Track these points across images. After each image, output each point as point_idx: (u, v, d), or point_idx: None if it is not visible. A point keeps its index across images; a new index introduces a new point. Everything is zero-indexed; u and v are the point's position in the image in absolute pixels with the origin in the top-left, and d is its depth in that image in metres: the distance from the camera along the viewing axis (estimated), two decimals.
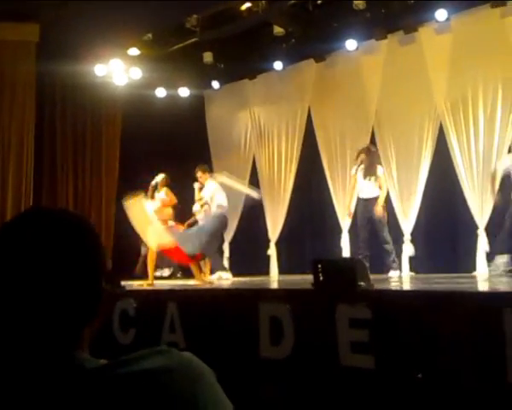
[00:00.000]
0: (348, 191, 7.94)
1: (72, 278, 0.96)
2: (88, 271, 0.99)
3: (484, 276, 6.58)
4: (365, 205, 7.56)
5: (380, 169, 7.68)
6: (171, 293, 3.31)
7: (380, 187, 7.56)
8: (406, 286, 2.64)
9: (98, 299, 1.00)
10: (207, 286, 5.65)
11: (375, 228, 7.39)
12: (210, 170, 8.51)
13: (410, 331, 2.26)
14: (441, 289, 2.61)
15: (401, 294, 2.40)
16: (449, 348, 2.17)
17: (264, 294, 2.82)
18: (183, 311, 3.02)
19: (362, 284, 2.46)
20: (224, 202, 7.68)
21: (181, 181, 10.92)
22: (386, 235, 7.39)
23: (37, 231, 0.96)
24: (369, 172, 7.47)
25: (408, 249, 8.38)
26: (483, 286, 2.97)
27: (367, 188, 7.53)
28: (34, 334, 0.93)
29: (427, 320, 2.23)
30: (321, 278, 2.58)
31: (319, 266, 2.57)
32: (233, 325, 2.80)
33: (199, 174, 8.03)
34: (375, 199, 7.45)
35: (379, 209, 7.29)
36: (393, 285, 2.59)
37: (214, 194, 7.75)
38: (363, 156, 7.64)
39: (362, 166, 7.66)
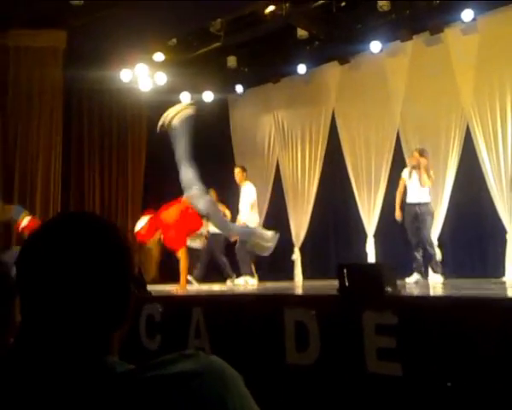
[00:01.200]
0: (397, 194, 7.54)
1: (102, 282, 0.97)
2: (117, 275, 1.00)
3: None
4: (415, 209, 7.14)
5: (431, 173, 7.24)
6: (196, 298, 3.31)
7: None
8: (434, 292, 2.59)
9: (127, 303, 1.01)
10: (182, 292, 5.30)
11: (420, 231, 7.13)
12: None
13: (438, 338, 2.22)
14: (468, 294, 2.55)
15: (428, 300, 2.36)
16: (478, 355, 2.12)
17: (290, 299, 2.80)
18: (209, 316, 3.02)
19: (388, 289, 2.42)
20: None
21: (206, 185, 11.04)
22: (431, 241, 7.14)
23: (66, 237, 0.98)
24: (428, 175, 7.06)
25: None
26: None
27: (418, 192, 7.11)
28: (66, 338, 0.94)
29: (455, 327, 2.19)
30: (346, 284, 2.55)
31: (344, 271, 2.54)
32: (258, 330, 2.78)
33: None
34: (425, 204, 7.08)
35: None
36: (434, 291, 2.55)
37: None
38: (422, 160, 7.10)
39: (415, 170, 7.15)
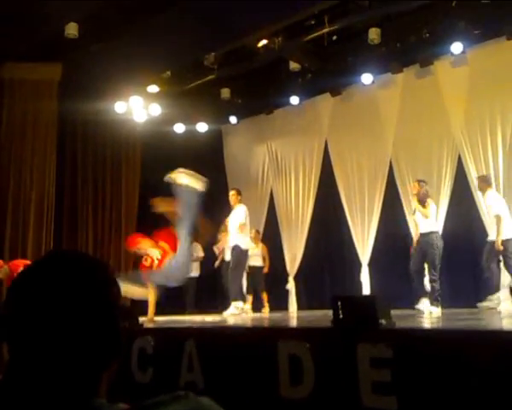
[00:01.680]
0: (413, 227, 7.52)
1: (89, 322, 0.96)
2: (105, 315, 0.99)
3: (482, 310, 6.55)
4: (421, 240, 7.07)
5: (432, 203, 7.17)
6: (188, 331, 3.28)
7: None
8: (427, 324, 2.57)
9: (115, 343, 0.99)
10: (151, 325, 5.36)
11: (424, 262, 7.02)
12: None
13: (433, 371, 2.20)
14: (463, 327, 2.54)
15: (423, 332, 2.34)
16: (474, 388, 2.11)
17: (283, 332, 2.78)
18: (201, 349, 2.98)
19: (383, 322, 2.41)
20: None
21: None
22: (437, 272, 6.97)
23: (54, 277, 0.97)
24: (424, 206, 7.00)
25: (428, 283, 8.24)
26: (507, 323, 2.88)
27: (423, 222, 7.03)
28: (52, 379, 0.93)
29: (450, 360, 2.17)
30: (341, 316, 2.53)
31: (339, 303, 2.53)
32: (252, 363, 2.75)
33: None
34: (430, 234, 6.96)
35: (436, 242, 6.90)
36: (429, 323, 2.53)
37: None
38: (420, 190, 7.10)
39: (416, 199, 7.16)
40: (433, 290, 6.88)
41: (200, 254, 10.46)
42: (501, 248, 6.85)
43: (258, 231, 10.04)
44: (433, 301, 6.79)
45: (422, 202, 7.07)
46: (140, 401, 0.94)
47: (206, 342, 3.00)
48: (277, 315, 6.95)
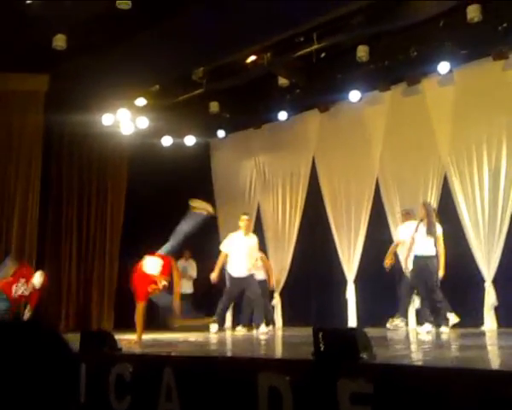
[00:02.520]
0: (406, 249, 7.33)
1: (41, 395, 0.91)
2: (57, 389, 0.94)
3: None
4: (422, 262, 7.02)
5: (438, 226, 7.10)
6: (167, 359, 3.21)
7: (438, 245, 7.01)
8: (408, 360, 2.53)
9: None
10: (132, 348, 5.06)
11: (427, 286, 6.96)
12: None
13: (413, 408, 2.16)
14: (447, 365, 2.50)
15: (403, 368, 2.31)
16: None
17: (263, 364, 2.72)
18: (180, 378, 2.92)
19: (364, 356, 2.36)
20: None
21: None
22: (440, 293, 6.94)
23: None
24: (430, 230, 6.93)
25: (414, 302, 8.23)
26: (494, 358, 2.85)
27: (426, 245, 6.96)
28: None
29: (432, 397, 2.13)
30: (322, 349, 2.49)
31: (320, 335, 2.49)
32: (231, 395, 2.69)
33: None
34: (432, 258, 6.92)
35: (442, 272, 6.85)
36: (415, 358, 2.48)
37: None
38: (423, 213, 7.08)
39: (423, 222, 7.07)
40: (438, 312, 6.81)
41: (193, 273, 10.40)
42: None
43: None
44: (442, 321, 6.73)
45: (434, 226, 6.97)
46: None
47: (185, 370, 2.94)
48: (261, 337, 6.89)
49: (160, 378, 2.98)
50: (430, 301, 6.97)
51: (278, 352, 3.87)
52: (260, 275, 9.84)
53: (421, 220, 7.10)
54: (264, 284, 9.39)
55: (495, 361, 2.83)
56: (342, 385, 2.30)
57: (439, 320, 6.87)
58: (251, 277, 8.01)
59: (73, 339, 4.10)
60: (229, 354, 3.59)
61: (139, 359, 3.30)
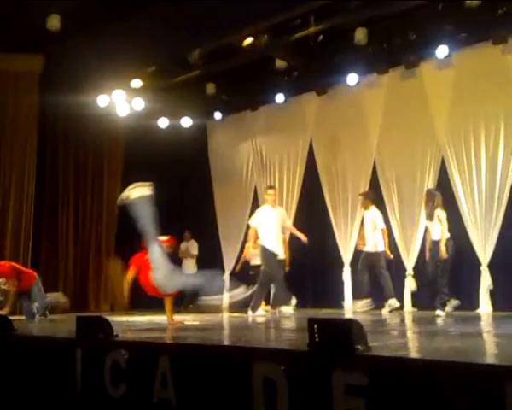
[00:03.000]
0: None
1: None
2: None
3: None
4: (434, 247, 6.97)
5: (438, 212, 6.99)
6: (163, 346, 3.21)
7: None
8: (405, 351, 2.54)
9: None
10: (177, 325, 5.43)
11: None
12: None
13: (408, 401, 2.17)
14: (444, 358, 2.49)
15: (398, 361, 2.31)
16: None
17: (258, 353, 2.73)
18: (176, 366, 2.92)
19: (359, 347, 2.37)
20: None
21: (184, 212, 10.98)
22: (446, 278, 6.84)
23: None
24: (429, 214, 7.00)
25: (410, 285, 8.28)
26: (490, 349, 2.86)
27: (432, 230, 7.00)
28: None
29: (425, 390, 2.14)
30: (317, 339, 2.49)
31: (315, 326, 2.49)
32: (226, 384, 2.70)
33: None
34: (437, 242, 6.90)
35: (442, 251, 6.74)
36: (394, 350, 2.49)
37: None
38: (425, 199, 7.20)
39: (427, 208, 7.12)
40: (440, 295, 6.79)
41: (194, 252, 10.43)
42: (391, 256, 7.93)
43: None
44: (440, 306, 6.72)
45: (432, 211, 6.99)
46: None
47: (180, 359, 2.95)
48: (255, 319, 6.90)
49: (155, 366, 2.99)
50: (436, 283, 6.91)
51: (274, 340, 3.88)
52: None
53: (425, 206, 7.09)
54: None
55: (491, 353, 2.84)
56: (337, 377, 2.30)
57: (436, 303, 6.83)
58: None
59: (70, 320, 4.12)
60: (225, 342, 3.60)
61: (135, 346, 3.30)
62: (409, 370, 2.19)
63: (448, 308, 6.66)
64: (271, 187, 8.27)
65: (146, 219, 5.33)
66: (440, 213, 6.98)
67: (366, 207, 8.13)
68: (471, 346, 3.06)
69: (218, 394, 2.71)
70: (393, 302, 7.60)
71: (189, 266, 10.23)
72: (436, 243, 6.92)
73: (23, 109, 8.69)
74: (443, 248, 6.78)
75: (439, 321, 5.61)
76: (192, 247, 10.56)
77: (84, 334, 3.63)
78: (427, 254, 7.15)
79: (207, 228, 10.92)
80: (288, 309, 7.74)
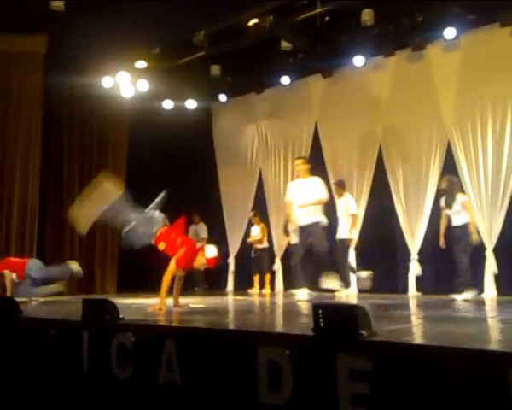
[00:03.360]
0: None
1: None
2: None
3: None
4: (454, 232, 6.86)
5: (460, 198, 6.88)
6: (169, 329, 3.24)
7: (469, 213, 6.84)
8: (410, 337, 2.55)
9: None
10: (184, 308, 5.18)
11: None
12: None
13: (412, 387, 2.18)
14: (446, 342, 2.50)
15: (402, 347, 2.32)
16: (454, 407, 2.09)
17: (263, 337, 2.74)
18: (181, 350, 2.95)
19: (363, 333, 2.38)
20: None
21: (188, 194, 10.98)
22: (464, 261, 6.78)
23: None
24: (448, 201, 6.84)
25: (415, 269, 8.28)
26: (494, 335, 2.87)
27: (453, 217, 6.82)
28: None
29: (429, 376, 2.15)
30: (321, 324, 2.50)
31: (320, 311, 2.50)
32: (231, 367, 2.72)
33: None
34: (459, 227, 6.75)
35: (475, 235, 6.67)
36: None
37: None
38: (443, 185, 7.05)
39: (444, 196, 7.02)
40: (462, 279, 6.69)
41: (204, 235, 10.38)
42: (353, 242, 8.10)
43: (255, 213, 10.04)
44: (462, 288, 6.62)
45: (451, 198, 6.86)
46: None
47: (186, 342, 2.97)
48: (263, 300, 6.93)
49: (161, 349, 3.01)
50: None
51: (279, 324, 3.90)
52: (261, 244, 9.94)
53: (443, 193, 6.98)
54: (264, 251, 9.56)
55: (495, 339, 2.84)
56: (342, 362, 2.32)
57: (455, 285, 6.72)
58: (315, 224, 6.84)
59: (76, 302, 4.13)
60: (230, 326, 3.62)
61: (141, 329, 3.32)
62: (413, 356, 2.20)
63: (467, 295, 6.52)
64: (299, 158, 7.61)
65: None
66: (465, 200, 6.91)
67: (340, 195, 8.18)
68: (475, 332, 3.07)
69: (224, 377, 2.74)
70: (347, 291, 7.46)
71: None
72: (459, 228, 6.77)
73: (27, 90, 8.65)
74: (475, 232, 6.72)
75: (444, 306, 5.61)
76: (201, 230, 10.54)
77: (91, 317, 3.66)
78: (442, 240, 6.99)
79: (212, 210, 10.94)
80: (302, 294, 7.02)
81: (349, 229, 8.05)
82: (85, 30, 7.99)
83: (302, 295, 6.91)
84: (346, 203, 8.09)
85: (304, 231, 6.92)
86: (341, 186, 8.25)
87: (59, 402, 3.60)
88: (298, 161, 7.33)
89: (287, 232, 8.65)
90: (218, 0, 7.05)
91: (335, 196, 8.35)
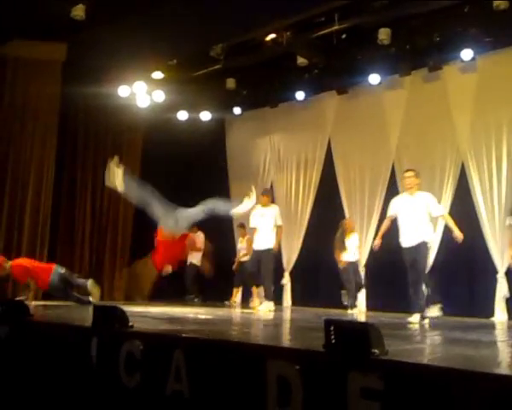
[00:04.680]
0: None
1: None
2: None
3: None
4: None
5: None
6: (178, 340, 3.23)
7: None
8: (422, 356, 2.53)
9: None
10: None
11: None
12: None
13: (424, 408, 2.16)
14: (458, 365, 2.47)
15: (414, 367, 2.30)
16: None
17: (273, 351, 2.73)
18: (190, 360, 2.94)
19: (376, 351, 2.36)
20: None
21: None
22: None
23: None
24: None
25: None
26: (505, 359, 2.83)
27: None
28: None
29: (440, 397, 2.13)
30: (333, 341, 2.48)
31: (331, 327, 2.48)
32: (240, 380, 2.71)
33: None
34: None
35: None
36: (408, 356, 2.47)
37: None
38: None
39: None
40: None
41: (200, 245, 10.29)
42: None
43: (243, 226, 9.84)
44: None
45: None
46: None
47: (195, 353, 2.96)
48: (269, 316, 6.89)
49: (170, 359, 3.01)
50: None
51: (288, 339, 3.88)
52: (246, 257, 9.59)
53: None
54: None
55: (506, 363, 2.81)
56: (353, 379, 2.30)
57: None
58: (422, 244, 6.11)
59: (85, 307, 4.13)
60: (239, 338, 3.60)
61: (150, 337, 3.33)
62: (425, 376, 2.18)
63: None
64: (409, 170, 6.56)
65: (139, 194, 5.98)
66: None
67: (266, 205, 8.07)
68: (486, 355, 3.03)
69: (232, 390, 2.72)
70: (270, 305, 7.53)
71: (194, 257, 10.11)
72: None
73: (45, 97, 8.75)
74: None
75: (454, 327, 5.56)
76: (198, 239, 10.47)
77: (100, 323, 3.66)
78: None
79: (222, 223, 10.93)
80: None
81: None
82: (104, 39, 8.11)
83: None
84: (273, 214, 8.01)
85: (408, 252, 6.21)
86: (269, 195, 8.35)
87: (66, 405, 3.60)
88: (408, 174, 6.39)
89: (342, 247, 8.30)
90: (238, 14, 7.12)
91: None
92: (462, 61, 7.80)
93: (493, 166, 7.79)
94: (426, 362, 2.51)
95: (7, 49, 8.60)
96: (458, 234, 6.18)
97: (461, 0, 7.04)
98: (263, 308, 7.55)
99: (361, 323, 2.88)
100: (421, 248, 6.08)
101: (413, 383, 2.18)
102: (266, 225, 7.91)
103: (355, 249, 8.45)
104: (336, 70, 8.85)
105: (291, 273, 9.99)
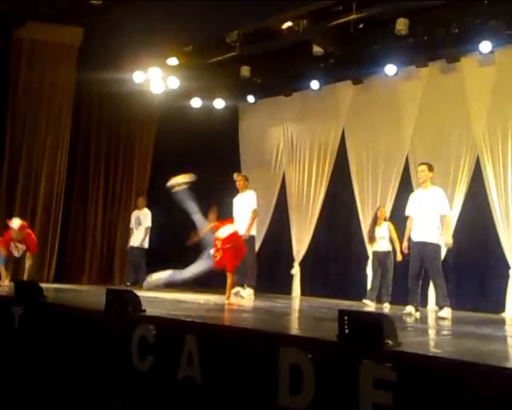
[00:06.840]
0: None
1: None
2: None
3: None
4: None
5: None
6: (190, 324, 3.25)
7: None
8: (435, 348, 2.52)
9: None
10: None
11: None
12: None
13: (436, 400, 2.16)
14: (470, 358, 2.47)
15: (427, 359, 2.29)
16: None
17: (286, 339, 2.74)
18: (202, 346, 2.96)
19: (389, 342, 2.36)
20: None
21: (210, 191, 11.01)
22: None
23: None
24: None
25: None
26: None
27: None
28: None
29: (452, 390, 2.13)
30: (346, 331, 2.49)
31: (345, 318, 2.49)
32: (252, 367, 2.72)
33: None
34: None
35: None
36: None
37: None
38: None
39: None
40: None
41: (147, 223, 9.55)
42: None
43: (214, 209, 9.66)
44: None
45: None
46: None
47: (207, 339, 2.98)
48: (281, 305, 6.89)
49: (182, 343, 3.03)
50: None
51: (301, 328, 3.89)
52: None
53: None
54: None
55: None
56: (365, 370, 2.30)
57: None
58: (431, 246, 5.98)
59: (96, 292, 4.17)
60: (252, 325, 3.62)
61: (162, 322, 3.35)
62: (438, 369, 2.17)
63: None
64: (422, 163, 6.33)
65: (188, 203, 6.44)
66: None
67: (243, 190, 8.19)
68: (498, 349, 3.03)
69: (244, 377, 2.74)
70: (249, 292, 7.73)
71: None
72: None
73: (60, 80, 8.79)
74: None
75: (466, 322, 5.54)
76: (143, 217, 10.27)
77: (114, 307, 3.70)
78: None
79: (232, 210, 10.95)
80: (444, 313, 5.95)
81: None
82: (120, 24, 8.11)
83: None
84: (249, 199, 8.07)
85: (417, 247, 6.10)
86: (246, 180, 8.39)
87: (76, 387, 3.64)
88: (421, 168, 6.22)
89: (372, 238, 7.82)
90: (253, 1, 7.08)
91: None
92: (481, 53, 7.68)
93: (509, 159, 7.71)
94: (439, 355, 2.51)
95: (23, 32, 8.63)
96: (449, 240, 6.19)
97: None
98: (244, 295, 7.73)
99: (375, 314, 2.89)
100: (430, 249, 5.99)
101: (426, 375, 2.18)
102: (242, 211, 8.02)
103: (379, 240, 7.69)
104: (352, 60, 8.76)
105: (301, 263, 9.99)
